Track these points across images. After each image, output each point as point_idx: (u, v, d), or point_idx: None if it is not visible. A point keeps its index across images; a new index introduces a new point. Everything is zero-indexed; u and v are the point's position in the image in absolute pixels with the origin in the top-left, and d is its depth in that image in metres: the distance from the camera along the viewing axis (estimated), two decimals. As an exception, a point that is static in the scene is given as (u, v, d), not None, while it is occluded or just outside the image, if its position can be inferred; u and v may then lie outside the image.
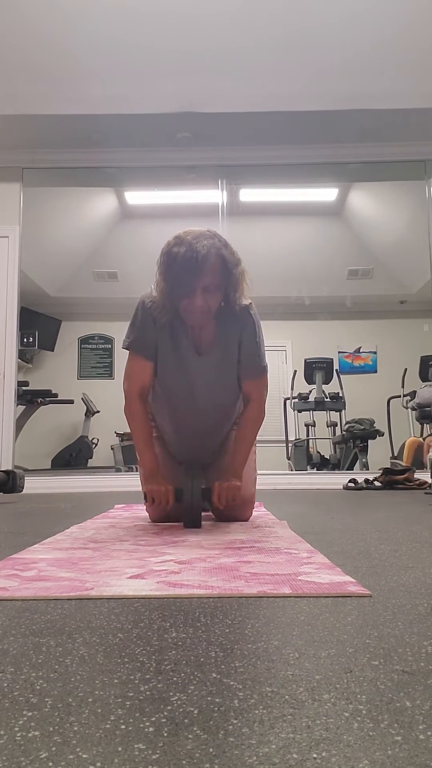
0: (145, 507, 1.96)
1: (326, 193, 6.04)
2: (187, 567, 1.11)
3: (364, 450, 5.25)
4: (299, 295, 6.67)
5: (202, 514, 1.81)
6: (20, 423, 5.34)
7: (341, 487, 3.95)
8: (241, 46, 3.74)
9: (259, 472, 2.09)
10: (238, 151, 4.94)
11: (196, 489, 1.71)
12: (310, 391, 5.83)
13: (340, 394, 5.90)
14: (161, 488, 1.74)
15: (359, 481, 3.84)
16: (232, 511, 1.85)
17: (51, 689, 0.53)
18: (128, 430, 1.91)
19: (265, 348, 1.89)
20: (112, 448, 6.18)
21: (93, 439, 6.35)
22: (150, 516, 1.96)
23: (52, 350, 6.54)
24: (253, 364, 1.85)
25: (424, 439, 4.91)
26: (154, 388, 1.89)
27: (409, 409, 5.47)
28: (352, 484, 3.85)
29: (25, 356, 6.01)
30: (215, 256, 1.66)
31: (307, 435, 5.86)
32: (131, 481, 3.34)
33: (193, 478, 1.73)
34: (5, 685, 0.54)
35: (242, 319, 1.82)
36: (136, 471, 1.94)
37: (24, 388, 5.54)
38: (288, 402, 5.96)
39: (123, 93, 4.16)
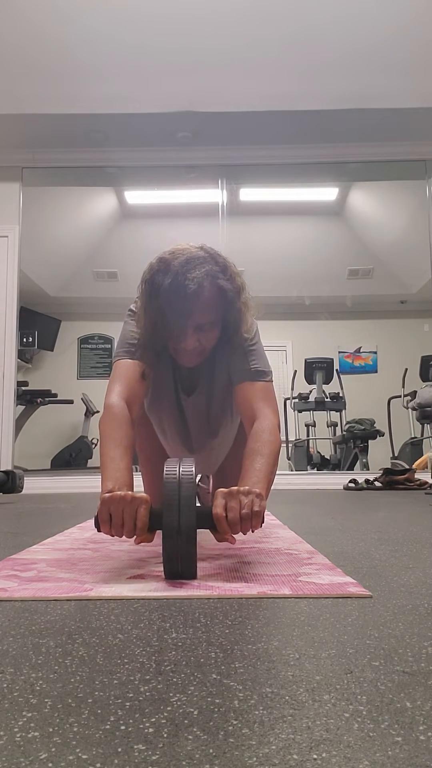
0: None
1: (326, 193, 6.04)
2: (187, 567, 1.11)
3: (365, 450, 5.25)
4: (299, 295, 6.67)
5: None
6: (20, 423, 5.34)
7: (341, 487, 3.95)
8: (241, 45, 3.74)
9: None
10: (238, 151, 4.94)
11: (186, 511, 0.98)
12: (311, 391, 5.84)
13: (341, 394, 5.90)
14: (126, 498, 1.05)
15: (359, 482, 3.84)
16: (244, 524, 1.07)
17: (51, 690, 0.53)
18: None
19: (267, 359, 1.48)
20: (112, 448, 6.17)
21: (93, 439, 6.35)
22: None
23: (52, 350, 6.54)
24: (243, 367, 1.44)
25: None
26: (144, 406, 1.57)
27: (410, 410, 5.47)
28: (352, 485, 3.85)
29: (24, 356, 6.01)
30: (210, 288, 1.29)
31: (308, 435, 5.86)
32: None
33: (180, 488, 0.99)
34: (5, 685, 0.54)
35: (236, 352, 1.45)
36: (137, 471, 1.66)
37: (23, 388, 5.55)
38: (288, 402, 5.96)
39: (123, 92, 4.16)
